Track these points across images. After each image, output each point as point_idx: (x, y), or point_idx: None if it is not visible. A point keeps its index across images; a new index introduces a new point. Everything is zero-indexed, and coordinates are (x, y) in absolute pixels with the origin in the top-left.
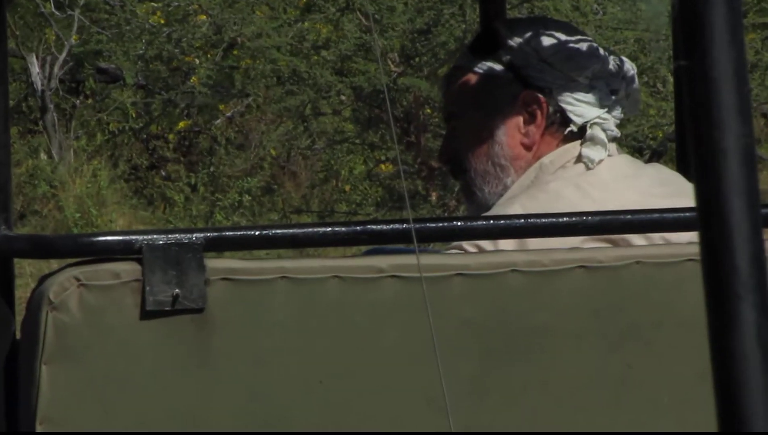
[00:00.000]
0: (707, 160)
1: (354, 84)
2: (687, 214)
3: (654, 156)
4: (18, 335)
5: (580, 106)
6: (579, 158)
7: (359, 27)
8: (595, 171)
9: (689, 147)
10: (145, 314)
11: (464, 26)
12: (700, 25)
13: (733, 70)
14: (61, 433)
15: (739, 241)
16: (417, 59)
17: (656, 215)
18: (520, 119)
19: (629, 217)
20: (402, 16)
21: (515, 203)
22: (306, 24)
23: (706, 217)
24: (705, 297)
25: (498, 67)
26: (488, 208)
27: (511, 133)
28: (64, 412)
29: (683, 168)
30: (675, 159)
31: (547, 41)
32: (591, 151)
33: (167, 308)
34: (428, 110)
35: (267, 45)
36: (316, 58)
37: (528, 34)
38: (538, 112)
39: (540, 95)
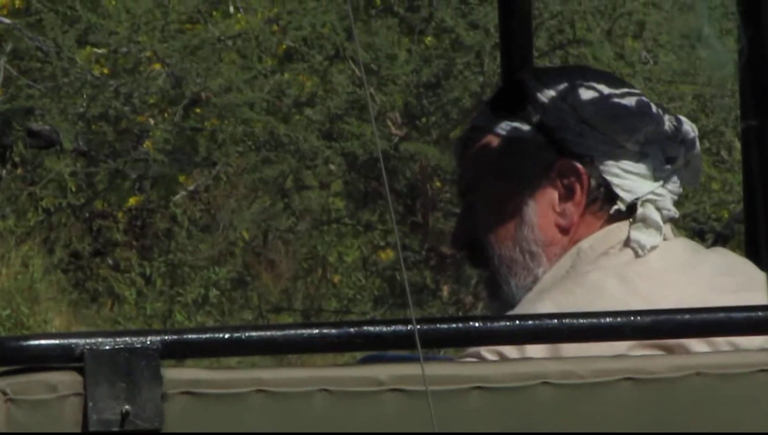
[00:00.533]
0: None
1: (346, 150)
2: (761, 313)
3: (718, 240)
4: None
5: (629, 179)
6: (626, 243)
7: (352, 79)
8: (645, 259)
9: (761, 228)
10: None
11: (482, 79)
12: None
13: None
14: None
15: None
16: (424, 119)
17: (722, 315)
18: (555, 195)
19: (687, 316)
20: (405, 67)
21: (546, 299)
22: (286, 76)
23: None
24: None
25: (526, 128)
26: (513, 306)
27: (543, 211)
28: None
29: (753, 253)
30: (743, 244)
31: (586, 96)
32: (642, 235)
33: (115, 429)
34: (438, 183)
35: (238, 102)
36: (298, 117)
37: (563, 88)
38: (578, 186)
39: (579, 165)
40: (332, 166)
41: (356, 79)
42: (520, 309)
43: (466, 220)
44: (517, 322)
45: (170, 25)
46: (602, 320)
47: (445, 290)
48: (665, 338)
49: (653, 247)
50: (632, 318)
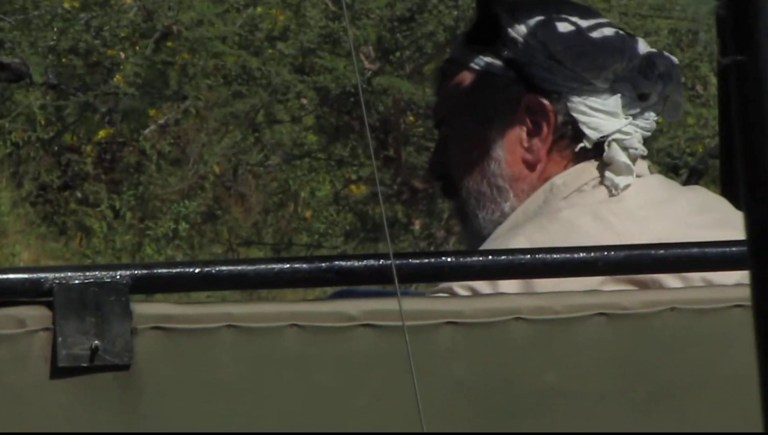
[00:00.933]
0: (760, 180)
1: (318, 84)
2: (734, 248)
3: (692, 176)
4: None
5: (596, 117)
6: (600, 181)
7: (325, 13)
8: (619, 197)
9: (738, 165)
10: (57, 371)
11: (456, 13)
12: (754, 13)
13: None
14: None
15: None
16: (397, 54)
17: (695, 250)
18: (523, 130)
19: (662, 252)
20: (379, 0)
21: (519, 235)
22: (259, 9)
23: (759, 252)
24: (756, 351)
25: (497, 62)
26: (483, 239)
27: (510, 147)
28: None
29: (729, 191)
30: (719, 180)
31: (557, 32)
32: (614, 175)
33: (84, 364)
34: (411, 118)
35: (209, 35)
36: (270, 51)
37: (534, 23)
38: (544, 123)
39: (546, 101)
40: (304, 101)
41: (329, 13)
42: (493, 244)
43: (439, 151)
44: (490, 257)
45: None
46: (575, 255)
47: (417, 225)
48: (639, 274)
49: (627, 186)
50: (605, 253)
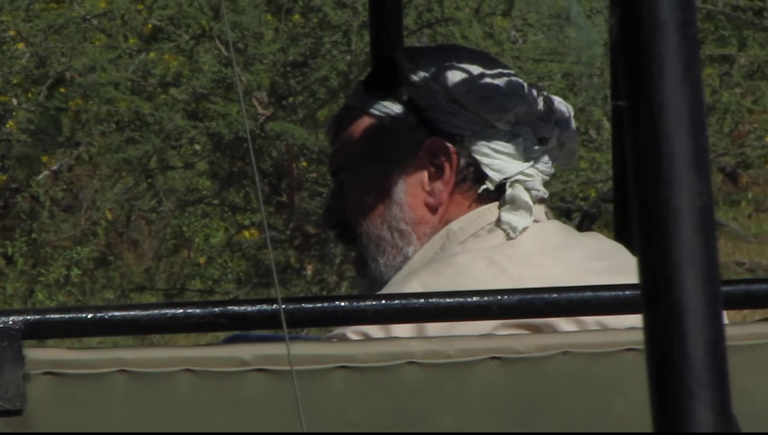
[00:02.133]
0: (654, 225)
1: (211, 130)
2: (628, 292)
3: (585, 220)
4: None
5: (499, 159)
6: (496, 225)
7: (218, 59)
8: (516, 242)
9: (631, 209)
10: None
11: (349, 58)
12: (647, 56)
13: (688, 113)
14: None
15: (693, 324)
16: (290, 99)
17: (589, 294)
18: (425, 173)
19: (555, 295)
20: (272, 45)
21: (414, 280)
22: (151, 55)
23: (652, 296)
24: (650, 395)
25: (398, 107)
26: (383, 285)
27: (413, 190)
28: None
29: (622, 235)
30: (612, 224)
31: (458, 76)
32: (512, 217)
33: None
34: (304, 163)
35: (102, 81)
36: (163, 97)
37: (435, 67)
38: (447, 165)
39: (449, 144)
40: (197, 146)
41: (222, 58)
42: (389, 289)
43: (336, 199)
44: (384, 301)
45: (34, 5)
46: (469, 299)
47: (310, 270)
48: (532, 317)
49: (524, 229)
50: (499, 297)
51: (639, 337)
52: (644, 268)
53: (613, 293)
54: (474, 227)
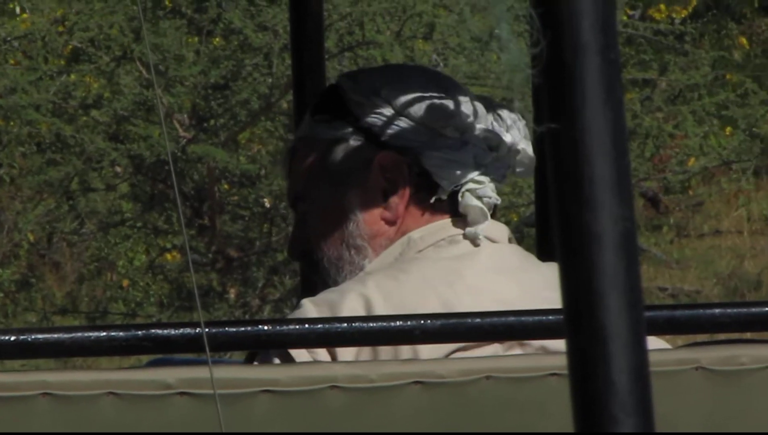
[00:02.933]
0: (576, 249)
1: (132, 152)
2: (551, 317)
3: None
4: None
5: (449, 168)
6: (457, 237)
7: (139, 81)
8: (475, 257)
9: (554, 233)
10: None
11: (270, 80)
12: (569, 79)
13: (610, 137)
14: None
15: (617, 349)
16: (212, 121)
17: (512, 319)
18: (379, 189)
19: (478, 320)
20: (193, 68)
21: (369, 281)
22: (72, 77)
23: (575, 321)
24: (573, 421)
25: (347, 129)
26: None
27: (368, 206)
28: None
29: (544, 260)
30: (534, 249)
31: (401, 90)
32: (470, 228)
33: None
34: (226, 186)
35: (23, 103)
36: (84, 119)
37: (377, 85)
38: (400, 178)
39: (400, 156)
40: (118, 169)
41: (143, 80)
42: (341, 287)
43: (298, 229)
44: (307, 325)
45: None
46: (392, 323)
47: (232, 293)
48: (456, 342)
49: (488, 238)
50: (422, 321)
51: (563, 361)
52: (567, 293)
53: (536, 318)
54: (435, 238)
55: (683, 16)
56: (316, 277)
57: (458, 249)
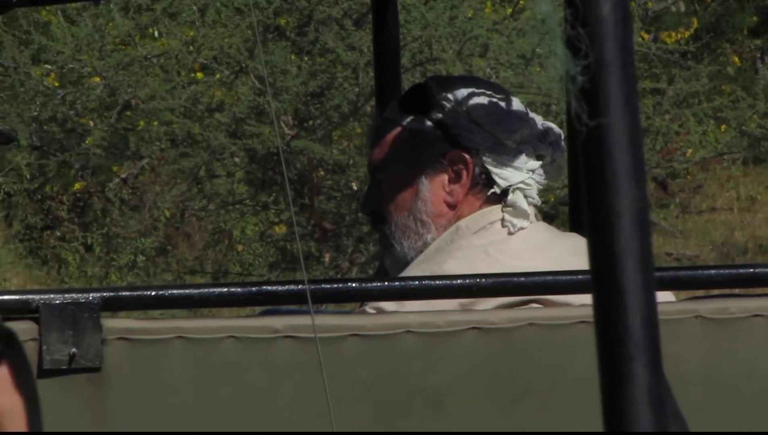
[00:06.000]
0: (601, 223)
1: (247, 146)
2: (580, 276)
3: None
4: None
5: (506, 170)
6: (496, 224)
7: (253, 90)
8: (509, 240)
9: (583, 210)
10: (42, 373)
11: (357, 90)
12: (597, 89)
13: (628, 135)
14: None
15: (632, 302)
16: (311, 122)
17: (549, 278)
18: (446, 177)
19: (522, 279)
20: (295, 80)
21: (426, 269)
22: (199, 86)
23: (599, 279)
24: (598, 358)
25: (427, 123)
26: (406, 263)
27: (435, 190)
28: None
29: (576, 231)
30: (567, 223)
31: (478, 102)
32: (513, 218)
33: (64, 367)
34: (322, 173)
35: (161, 107)
36: (209, 120)
37: (460, 94)
38: (464, 172)
39: (467, 155)
40: (236, 159)
41: (256, 89)
42: (407, 272)
43: (373, 192)
44: (386, 283)
45: (106, 46)
46: (454, 281)
47: (327, 257)
48: (505, 296)
49: (521, 228)
50: (478, 280)
51: (589, 311)
52: (593, 258)
53: (569, 277)
54: (478, 226)
55: (686, 36)
56: (382, 234)
57: (497, 233)
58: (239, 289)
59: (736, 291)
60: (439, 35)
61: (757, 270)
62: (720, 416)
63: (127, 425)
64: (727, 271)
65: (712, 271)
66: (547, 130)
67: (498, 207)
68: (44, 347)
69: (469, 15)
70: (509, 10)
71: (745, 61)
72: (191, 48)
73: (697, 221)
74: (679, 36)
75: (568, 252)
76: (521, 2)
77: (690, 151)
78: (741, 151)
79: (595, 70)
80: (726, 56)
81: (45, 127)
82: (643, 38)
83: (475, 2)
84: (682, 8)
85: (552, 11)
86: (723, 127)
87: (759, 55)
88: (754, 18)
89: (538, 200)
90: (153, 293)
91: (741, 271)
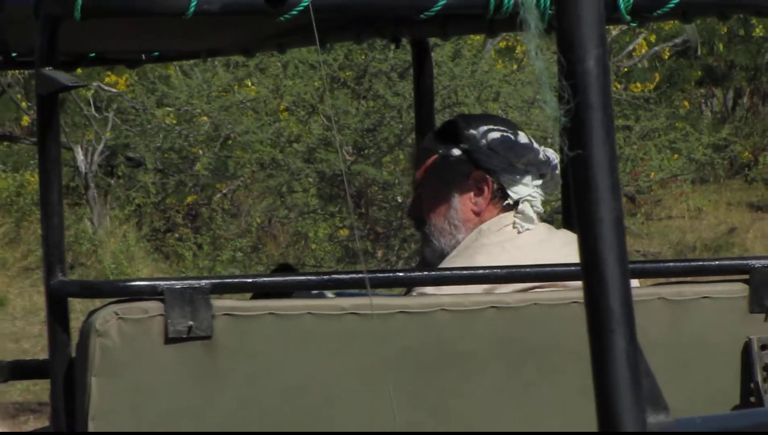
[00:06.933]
0: (588, 227)
1: (318, 169)
2: (572, 267)
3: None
4: (73, 355)
5: (517, 186)
6: (509, 226)
7: (322, 126)
8: (519, 238)
9: (574, 217)
10: (167, 340)
11: (401, 126)
12: (582, 125)
13: (607, 160)
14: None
15: (612, 288)
16: (366, 151)
17: (548, 269)
18: (472, 192)
19: (528, 270)
20: (354, 118)
21: (458, 262)
22: (282, 123)
23: (587, 270)
24: (588, 330)
25: (456, 151)
26: (442, 255)
27: (463, 202)
28: (107, 412)
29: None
30: (561, 226)
31: (495, 134)
32: (523, 222)
33: (184, 336)
34: (375, 189)
35: (252, 139)
36: (289, 149)
37: (481, 128)
38: (485, 188)
39: (487, 175)
40: (310, 179)
41: (325, 126)
42: (443, 264)
43: (416, 202)
44: (425, 272)
45: (212, 93)
46: (478, 271)
47: (379, 253)
48: (515, 282)
49: (528, 229)
50: (495, 271)
51: (581, 294)
52: (582, 254)
53: (564, 269)
54: (496, 227)
55: (650, 87)
56: (422, 234)
57: (511, 233)
58: (314, 277)
59: (688, 279)
60: (462, 85)
61: (704, 263)
62: (678, 373)
63: (231, 380)
64: (681, 264)
65: (670, 264)
66: (548, 156)
67: (511, 213)
68: (168, 321)
69: (486, 69)
70: (515, 66)
71: (693, 105)
72: (276, 94)
73: (657, 226)
74: (644, 86)
75: (562, 243)
76: (524, 61)
77: (652, 173)
78: (690, 174)
79: (582, 110)
80: (678, 101)
81: (165, 155)
82: (616, 87)
83: (490, 60)
84: (646, 65)
85: (545, 68)
86: (676, 155)
87: (703, 101)
88: (699, 72)
89: (540, 208)
90: (249, 280)
91: (692, 263)
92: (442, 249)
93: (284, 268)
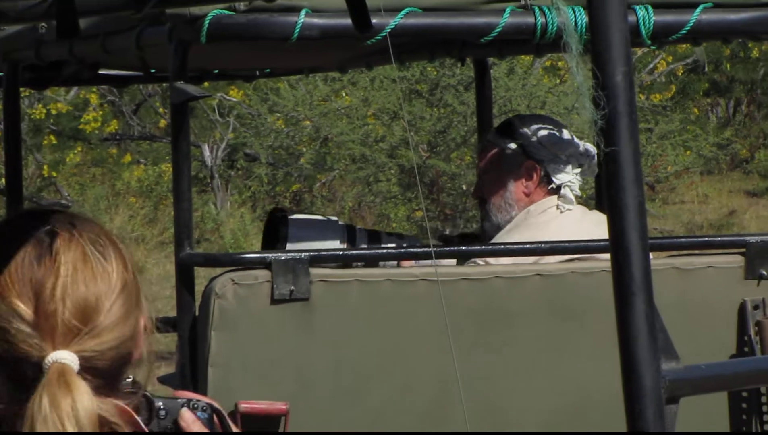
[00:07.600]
0: (616, 210)
1: (399, 163)
2: (603, 243)
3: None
4: (197, 313)
5: (560, 174)
6: (552, 208)
7: (402, 128)
8: (561, 217)
9: (605, 202)
10: (273, 301)
11: (466, 128)
12: (613, 127)
13: (632, 156)
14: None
15: (635, 259)
16: (437, 148)
17: (582, 244)
18: (523, 178)
19: (566, 244)
20: (428, 122)
21: (514, 234)
22: (369, 127)
23: (616, 244)
24: (614, 293)
25: (513, 144)
26: (499, 228)
27: (517, 186)
28: (224, 360)
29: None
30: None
31: (543, 131)
32: (564, 204)
33: (286, 298)
34: (444, 179)
35: (346, 139)
36: (375, 147)
37: (532, 126)
38: (535, 175)
39: (536, 164)
40: (392, 171)
41: (404, 128)
42: (497, 238)
43: (479, 186)
44: (482, 246)
45: (314, 102)
46: (526, 245)
47: (447, 231)
48: (557, 255)
49: (568, 210)
50: (540, 245)
51: (609, 264)
52: (611, 231)
53: (597, 243)
54: (542, 208)
55: (666, 96)
56: (483, 211)
57: (554, 213)
58: (393, 250)
59: (696, 252)
60: (515, 95)
61: (709, 239)
62: (688, 331)
63: (326, 335)
64: (690, 240)
65: (682, 240)
66: (587, 148)
67: (555, 197)
68: (274, 286)
69: (534, 83)
70: (558, 80)
71: (701, 112)
72: (365, 103)
73: (672, 209)
74: (662, 97)
75: (594, 224)
76: (566, 76)
77: (669, 166)
78: (699, 167)
79: (612, 116)
80: (690, 109)
81: (275, 152)
82: (640, 98)
83: (538, 75)
84: (664, 79)
85: (583, 81)
86: (688, 152)
87: (710, 108)
88: (706, 85)
89: (578, 192)
90: (342, 253)
91: (699, 239)
92: (498, 223)
93: (278, 211)
